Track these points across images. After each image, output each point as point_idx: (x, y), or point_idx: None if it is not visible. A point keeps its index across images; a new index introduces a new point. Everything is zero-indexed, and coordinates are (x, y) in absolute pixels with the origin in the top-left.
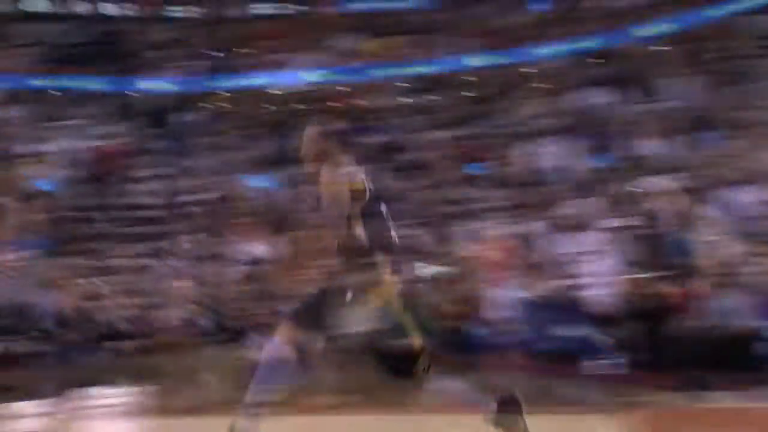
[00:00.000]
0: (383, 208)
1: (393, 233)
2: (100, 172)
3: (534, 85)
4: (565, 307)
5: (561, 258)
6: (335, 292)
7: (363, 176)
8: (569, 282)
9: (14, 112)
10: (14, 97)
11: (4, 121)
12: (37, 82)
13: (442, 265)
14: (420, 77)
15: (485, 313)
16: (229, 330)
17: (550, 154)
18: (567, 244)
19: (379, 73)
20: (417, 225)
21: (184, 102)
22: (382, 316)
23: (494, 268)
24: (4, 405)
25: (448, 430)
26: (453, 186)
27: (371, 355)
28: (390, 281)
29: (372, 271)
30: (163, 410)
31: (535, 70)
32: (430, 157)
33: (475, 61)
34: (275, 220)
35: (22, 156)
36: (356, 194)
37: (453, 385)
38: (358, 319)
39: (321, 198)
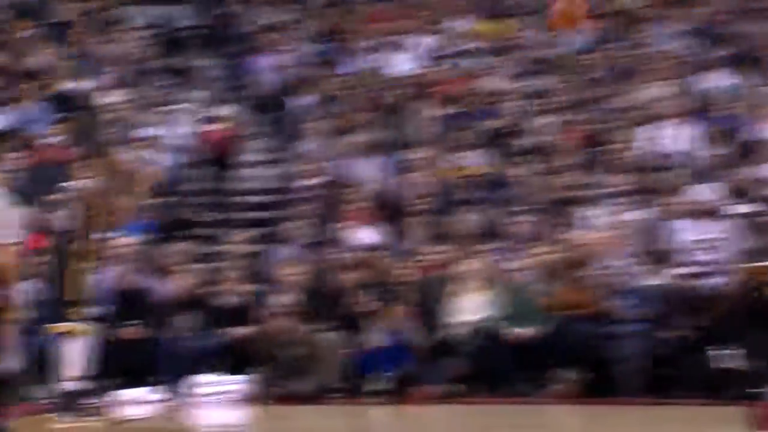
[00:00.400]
0: (495, 193)
1: (506, 219)
2: (213, 156)
3: (654, 67)
4: (685, 296)
5: (681, 245)
6: (444, 281)
7: (478, 161)
8: (689, 270)
9: (127, 95)
10: (127, 80)
11: (118, 105)
12: (150, 65)
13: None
14: (535, 60)
15: (602, 302)
16: (341, 317)
17: (670, 139)
18: (687, 231)
19: (493, 56)
20: (532, 211)
21: (296, 85)
22: (490, 305)
23: (611, 255)
24: (118, 391)
25: (564, 419)
26: (569, 171)
27: (482, 344)
28: (500, 269)
29: (481, 258)
30: (276, 398)
31: (656, 52)
32: (545, 142)
33: (593, 42)
34: (387, 206)
35: (135, 140)
36: (470, 179)
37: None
38: (467, 308)
39: (430, 184)
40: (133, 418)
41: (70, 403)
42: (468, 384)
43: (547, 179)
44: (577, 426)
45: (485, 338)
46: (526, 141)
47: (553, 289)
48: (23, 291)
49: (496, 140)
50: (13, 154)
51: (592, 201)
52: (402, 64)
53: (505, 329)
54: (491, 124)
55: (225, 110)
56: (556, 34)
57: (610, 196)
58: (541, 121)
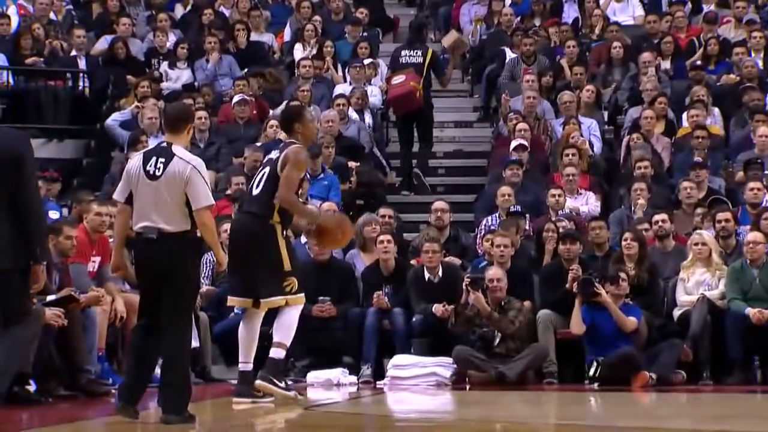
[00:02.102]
0: (731, 155)
1: (743, 185)
2: (412, 114)
3: None
4: None
5: None
6: (671, 254)
7: (712, 119)
8: None
9: (320, 48)
10: (320, 32)
11: (310, 58)
12: (345, 16)
13: None
14: None
15: None
16: (555, 293)
17: None
18: None
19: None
20: None
21: (507, 36)
22: (723, 281)
23: None
24: (310, 372)
25: None
26: None
27: (712, 325)
28: (736, 241)
29: (714, 229)
30: (481, 382)
31: None
32: None
33: None
34: (607, 170)
35: (332, 97)
36: (702, 140)
37: None
38: (695, 285)
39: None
40: (327, 401)
41: (251, 383)
42: (695, 369)
43: None
44: None
45: (716, 319)
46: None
47: None
48: (207, 262)
49: (733, 96)
50: (200, 112)
51: None
52: (629, 11)
53: (740, 309)
54: (728, 78)
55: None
56: None
57: None
58: None
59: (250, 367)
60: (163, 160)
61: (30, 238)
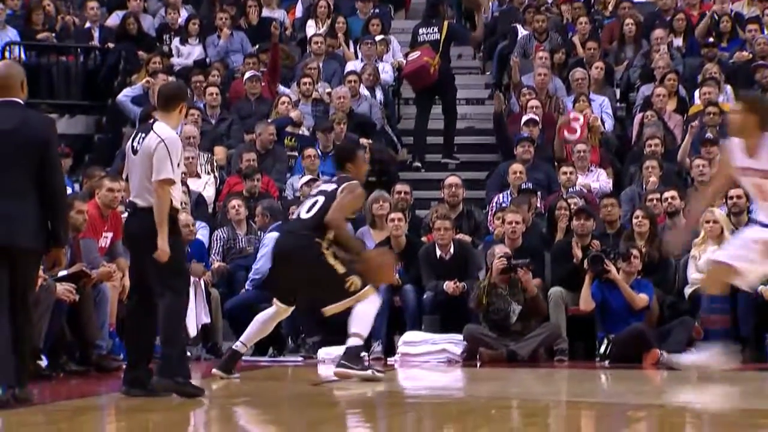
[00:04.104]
0: None
1: None
2: (424, 91)
3: None
4: None
5: None
6: (683, 232)
7: (724, 97)
8: None
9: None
10: (331, 8)
11: (321, 35)
12: None
13: None
14: None
15: None
16: (565, 270)
17: None
18: None
19: None
20: None
21: (520, 12)
22: None
23: None
24: (326, 348)
25: None
26: None
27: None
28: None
29: (726, 206)
30: (491, 359)
31: None
32: None
33: None
34: (617, 147)
35: (345, 74)
36: (714, 117)
37: None
38: (703, 264)
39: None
40: (337, 378)
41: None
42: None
43: None
44: None
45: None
46: None
47: None
48: (218, 238)
49: (746, 73)
50: (211, 88)
51: None
52: None
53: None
54: (740, 55)
55: (438, 40)
56: None
57: None
58: None
59: (244, 350)
60: (143, 135)
61: (55, 221)
